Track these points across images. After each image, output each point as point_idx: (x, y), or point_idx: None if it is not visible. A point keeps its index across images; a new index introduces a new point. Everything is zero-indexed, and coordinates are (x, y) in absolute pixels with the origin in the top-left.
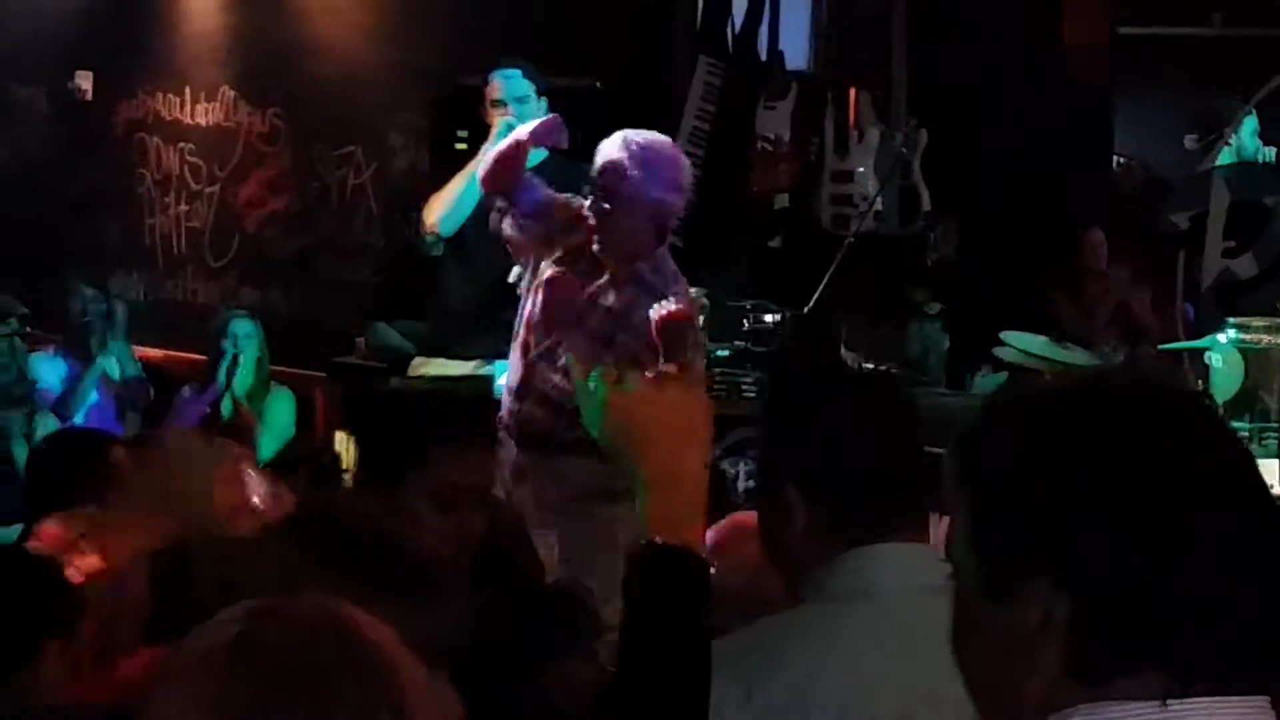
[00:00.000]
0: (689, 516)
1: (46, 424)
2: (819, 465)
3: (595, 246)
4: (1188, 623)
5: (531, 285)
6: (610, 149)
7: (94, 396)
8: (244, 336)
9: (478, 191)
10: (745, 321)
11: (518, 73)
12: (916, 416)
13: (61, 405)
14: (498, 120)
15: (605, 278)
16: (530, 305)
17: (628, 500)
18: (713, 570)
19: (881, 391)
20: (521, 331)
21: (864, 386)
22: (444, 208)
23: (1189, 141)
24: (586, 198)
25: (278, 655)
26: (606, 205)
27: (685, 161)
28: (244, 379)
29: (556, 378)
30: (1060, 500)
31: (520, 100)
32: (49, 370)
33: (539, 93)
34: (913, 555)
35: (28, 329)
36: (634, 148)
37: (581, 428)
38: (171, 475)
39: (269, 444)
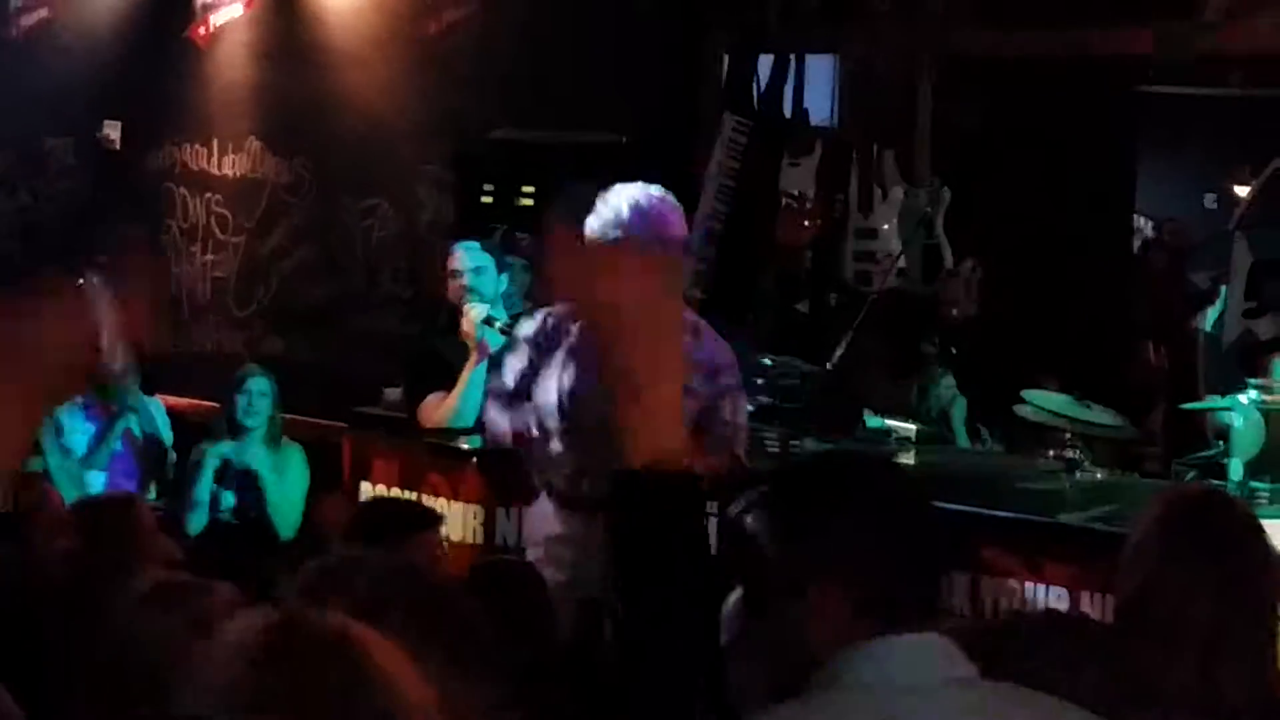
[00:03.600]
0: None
1: (76, 477)
2: (854, 558)
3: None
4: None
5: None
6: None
7: (118, 446)
8: (258, 394)
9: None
10: (769, 377)
11: (476, 245)
12: (927, 502)
13: (87, 458)
14: (467, 307)
15: None
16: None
17: None
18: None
19: (904, 477)
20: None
21: (888, 473)
22: (449, 415)
23: (1209, 200)
24: None
25: (293, 673)
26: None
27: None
28: (256, 434)
29: (605, 454)
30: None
31: (476, 271)
32: (75, 423)
33: (499, 265)
34: (930, 647)
35: None
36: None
37: None
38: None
39: (284, 500)
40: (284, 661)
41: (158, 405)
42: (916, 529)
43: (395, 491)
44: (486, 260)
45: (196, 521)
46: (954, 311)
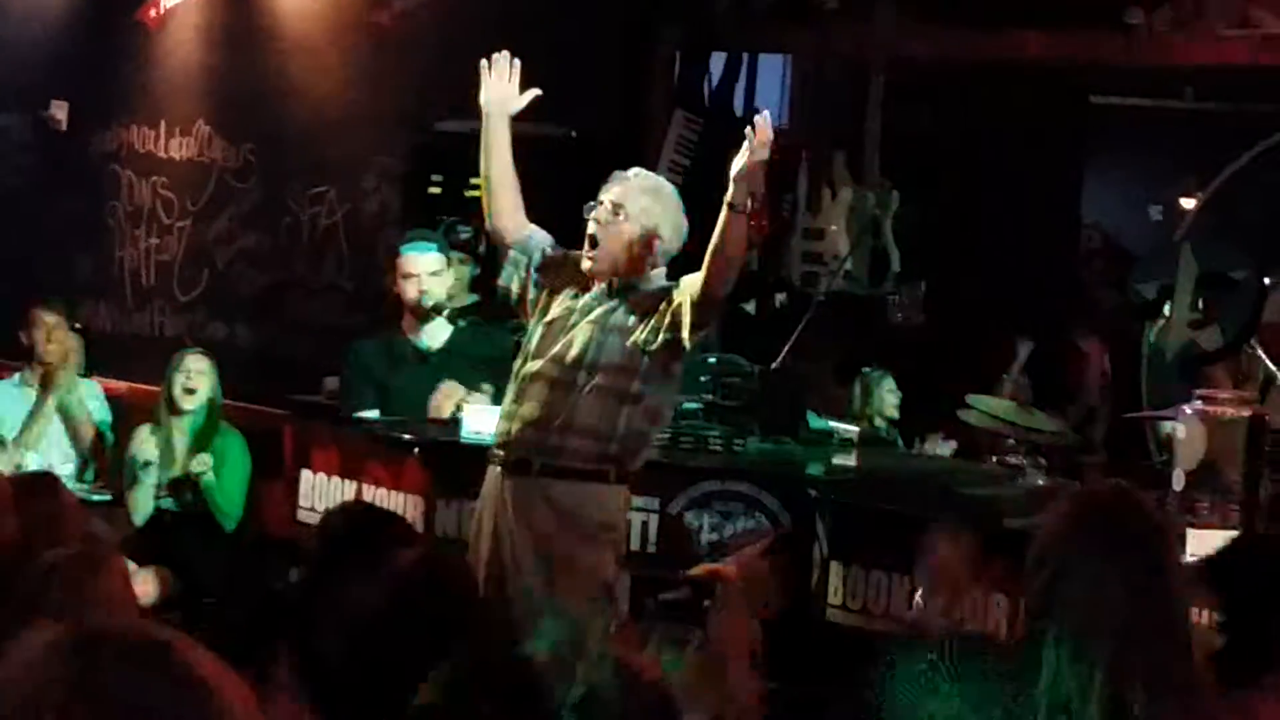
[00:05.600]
0: None
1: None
2: None
3: (588, 264)
4: None
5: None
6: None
7: (54, 429)
8: (196, 373)
9: None
10: (713, 375)
11: (432, 246)
12: None
13: (20, 439)
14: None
15: (597, 289)
16: (532, 339)
17: (610, 539)
18: None
19: None
20: (518, 362)
21: None
22: None
23: (1154, 212)
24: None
25: (115, 691)
26: (603, 228)
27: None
28: (195, 418)
29: (544, 396)
30: None
31: (432, 274)
32: (9, 404)
33: (449, 263)
34: None
35: None
36: (635, 180)
37: (567, 453)
38: None
39: (228, 485)
40: (93, 674)
41: (95, 388)
42: None
43: (335, 480)
44: (440, 263)
45: (140, 509)
46: (899, 316)
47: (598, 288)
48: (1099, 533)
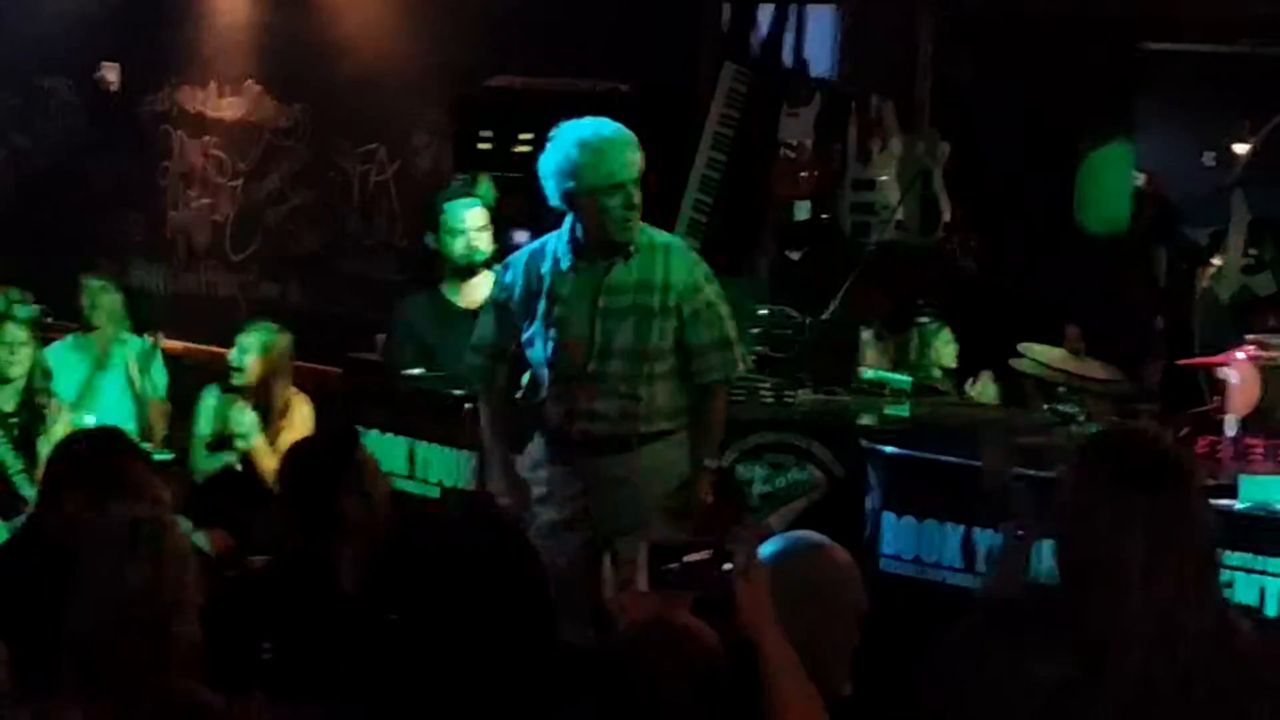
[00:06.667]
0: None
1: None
2: None
3: (627, 234)
4: None
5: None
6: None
7: (112, 390)
8: (241, 350)
9: None
10: (765, 327)
11: (476, 202)
12: None
13: (79, 402)
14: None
15: (587, 264)
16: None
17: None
18: None
19: None
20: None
21: None
22: None
23: (1207, 158)
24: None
25: None
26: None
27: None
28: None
29: (616, 391)
30: None
31: (480, 229)
32: (65, 363)
33: (494, 212)
34: None
35: (49, 319)
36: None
37: (656, 427)
38: None
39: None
40: None
41: (153, 349)
42: None
43: (388, 437)
44: (485, 218)
45: (201, 469)
46: (951, 266)
47: (588, 263)
48: (1116, 475)
